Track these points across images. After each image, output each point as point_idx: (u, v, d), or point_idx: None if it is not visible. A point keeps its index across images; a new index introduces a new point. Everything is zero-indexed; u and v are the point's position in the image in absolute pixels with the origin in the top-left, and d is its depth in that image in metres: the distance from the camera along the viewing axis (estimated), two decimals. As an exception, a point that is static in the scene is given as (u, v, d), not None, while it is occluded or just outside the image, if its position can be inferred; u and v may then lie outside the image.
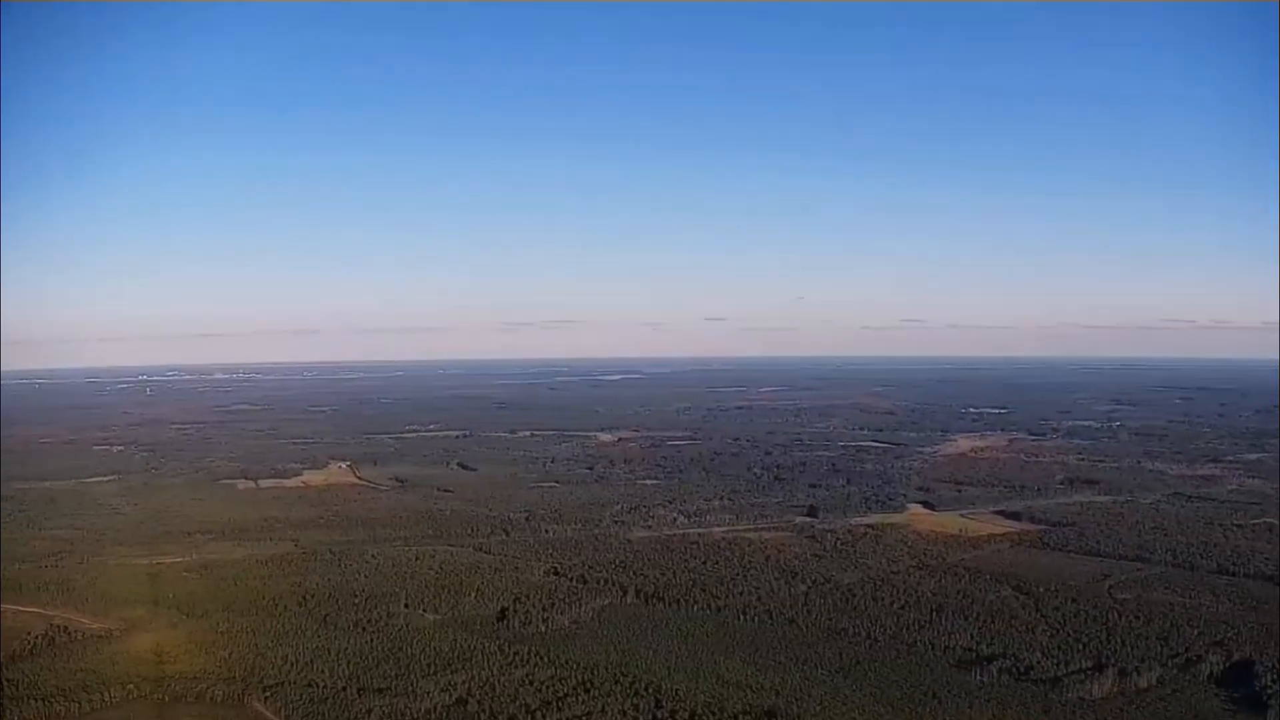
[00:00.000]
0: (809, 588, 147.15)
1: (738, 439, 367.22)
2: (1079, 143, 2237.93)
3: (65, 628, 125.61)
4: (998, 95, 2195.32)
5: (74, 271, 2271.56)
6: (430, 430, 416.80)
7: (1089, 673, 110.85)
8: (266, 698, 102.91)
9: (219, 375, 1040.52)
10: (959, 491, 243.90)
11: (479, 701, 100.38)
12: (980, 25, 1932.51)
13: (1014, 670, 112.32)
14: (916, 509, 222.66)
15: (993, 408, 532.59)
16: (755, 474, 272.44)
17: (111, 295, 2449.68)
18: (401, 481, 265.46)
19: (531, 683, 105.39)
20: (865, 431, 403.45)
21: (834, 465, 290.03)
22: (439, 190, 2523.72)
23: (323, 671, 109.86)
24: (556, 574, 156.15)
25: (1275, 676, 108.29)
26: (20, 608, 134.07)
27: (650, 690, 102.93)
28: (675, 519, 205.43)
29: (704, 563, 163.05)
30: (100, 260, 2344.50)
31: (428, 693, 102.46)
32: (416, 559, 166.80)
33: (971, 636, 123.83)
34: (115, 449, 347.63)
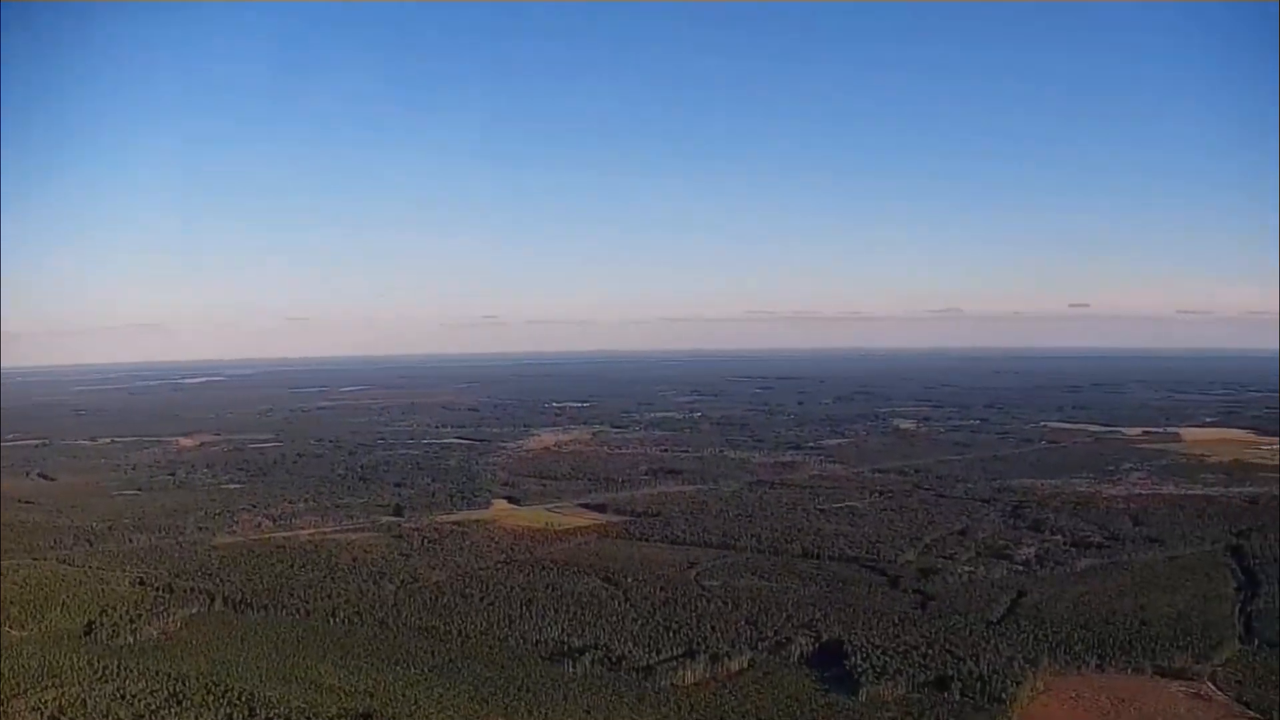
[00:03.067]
0: (398, 588, 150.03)
1: (321, 440, 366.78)
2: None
3: None
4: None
5: None
6: (8, 440, 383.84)
7: (681, 660, 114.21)
8: None
9: None
10: (544, 486, 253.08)
11: (71, 719, 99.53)
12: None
13: (606, 660, 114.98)
14: (502, 504, 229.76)
15: (575, 402, 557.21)
16: (340, 475, 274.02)
17: None
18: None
19: (123, 697, 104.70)
20: (449, 429, 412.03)
21: (419, 463, 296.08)
22: None
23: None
24: (143, 584, 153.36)
25: (864, 656, 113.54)
26: None
27: (244, 699, 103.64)
28: (261, 523, 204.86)
29: (291, 566, 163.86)
30: None
31: (18, 712, 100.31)
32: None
33: (562, 629, 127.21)
34: None
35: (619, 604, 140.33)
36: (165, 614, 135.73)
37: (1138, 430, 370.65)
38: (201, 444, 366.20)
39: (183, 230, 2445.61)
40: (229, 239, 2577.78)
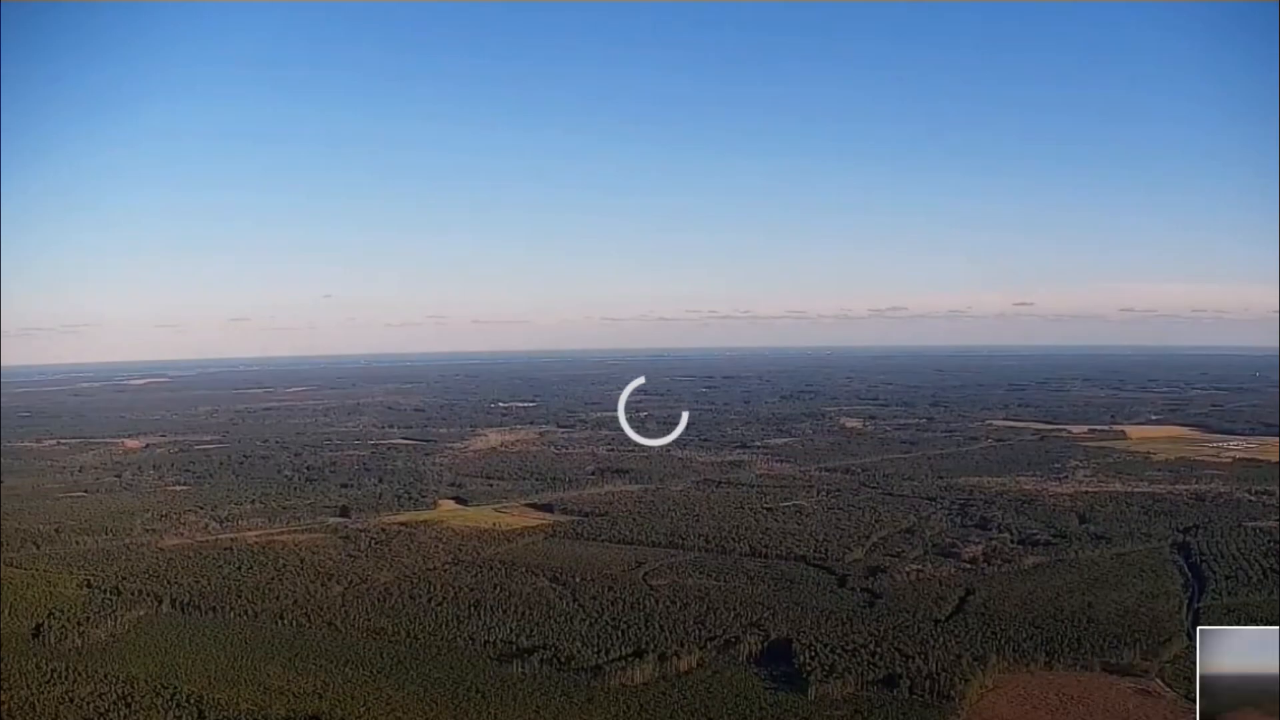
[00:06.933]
0: (345, 589, 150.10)
1: (267, 441, 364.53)
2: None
3: None
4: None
5: None
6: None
7: (630, 659, 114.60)
8: None
9: None
10: (491, 486, 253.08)
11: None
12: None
13: (555, 660, 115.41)
14: (449, 505, 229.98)
15: (521, 402, 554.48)
16: (286, 475, 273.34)
17: None
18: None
19: (72, 700, 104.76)
20: (395, 429, 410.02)
21: (365, 464, 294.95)
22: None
23: None
24: (90, 586, 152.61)
25: (813, 654, 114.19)
26: None
27: (192, 701, 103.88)
28: (207, 525, 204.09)
29: (239, 568, 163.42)
30: None
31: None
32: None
33: (511, 630, 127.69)
34: None
35: (567, 604, 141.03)
36: (113, 616, 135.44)
37: (1083, 428, 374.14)
38: (147, 445, 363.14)
39: (118, 231, 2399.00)
40: (169, 239, 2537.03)
